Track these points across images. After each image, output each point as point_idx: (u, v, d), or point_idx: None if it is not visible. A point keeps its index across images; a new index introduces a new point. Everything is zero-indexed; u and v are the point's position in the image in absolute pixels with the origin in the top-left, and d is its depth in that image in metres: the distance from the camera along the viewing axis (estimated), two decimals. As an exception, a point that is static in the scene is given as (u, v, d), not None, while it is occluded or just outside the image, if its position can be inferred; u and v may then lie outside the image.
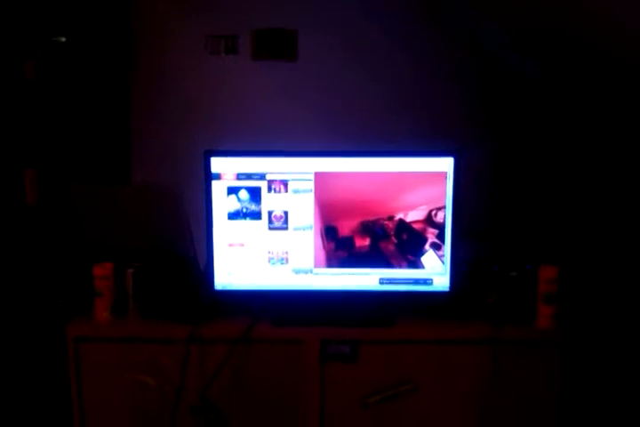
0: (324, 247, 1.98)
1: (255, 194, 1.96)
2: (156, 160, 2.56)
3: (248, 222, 1.97)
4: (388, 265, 1.99)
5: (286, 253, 1.99)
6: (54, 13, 2.36)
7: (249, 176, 1.95)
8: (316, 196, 1.96)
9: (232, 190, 1.96)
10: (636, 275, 2.32)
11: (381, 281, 2.00)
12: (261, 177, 1.95)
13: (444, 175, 1.94)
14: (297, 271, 2.00)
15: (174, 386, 1.91)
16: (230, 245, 1.98)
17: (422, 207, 1.96)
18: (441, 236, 1.96)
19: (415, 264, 1.98)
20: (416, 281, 2.00)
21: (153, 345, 1.94)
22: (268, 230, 1.98)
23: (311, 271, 2.00)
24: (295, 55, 2.54)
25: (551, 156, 2.47)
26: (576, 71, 2.31)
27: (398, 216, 1.96)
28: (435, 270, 1.99)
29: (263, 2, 2.49)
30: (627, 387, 2.27)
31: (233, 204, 1.96)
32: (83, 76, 2.45)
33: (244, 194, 1.96)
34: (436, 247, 1.97)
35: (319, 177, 1.95)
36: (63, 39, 2.39)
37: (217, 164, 1.95)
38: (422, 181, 1.95)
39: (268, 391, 1.97)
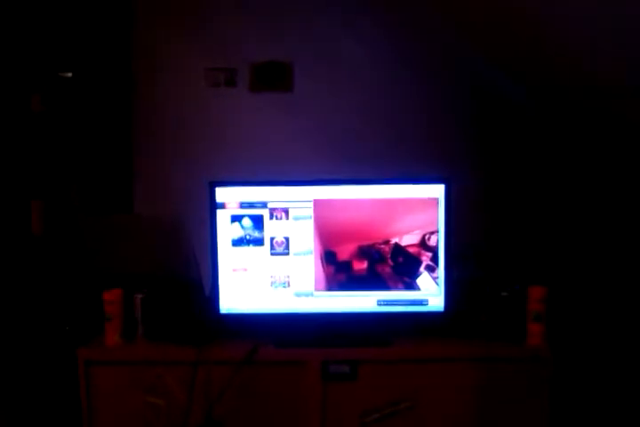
0: (324, 271, 2.07)
1: (258, 221, 2.05)
2: (158, 190, 2.60)
3: (251, 249, 2.06)
4: (385, 287, 2.07)
5: (288, 277, 2.07)
6: (61, 50, 2.46)
7: (251, 205, 2.05)
8: (315, 222, 2.05)
9: (236, 218, 2.05)
10: (622, 294, 2.41)
11: (379, 303, 2.08)
12: (263, 205, 2.05)
13: (435, 201, 2.04)
14: (298, 294, 2.08)
15: (181, 407, 1.97)
16: (234, 270, 2.07)
17: (416, 232, 2.05)
18: (435, 258, 2.06)
19: (411, 286, 2.07)
20: (412, 302, 2.08)
21: (161, 367, 2.00)
22: (270, 256, 2.06)
23: (312, 294, 2.08)
24: (290, 86, 2.62)
25: (538, 181, 2.55)
26: (564, 101, 2.40)
27: (394, 240, 2.05)
28: (429, 292, 2.07)
29: (261, 36, 2.58)
30: (616, 403, 2.33)
31: (237, 231, 2.05)
32: (87, 109, 2.53)
33: (247, 222, 2.05)
34: (431, 270, 2.06)
35: (318, 204, 2.05)
36: (69, 74, 2.49)
37: (221, 193, 2.04)
38: (416, 207, 2.05)
39: (271, 410, 2.03)
